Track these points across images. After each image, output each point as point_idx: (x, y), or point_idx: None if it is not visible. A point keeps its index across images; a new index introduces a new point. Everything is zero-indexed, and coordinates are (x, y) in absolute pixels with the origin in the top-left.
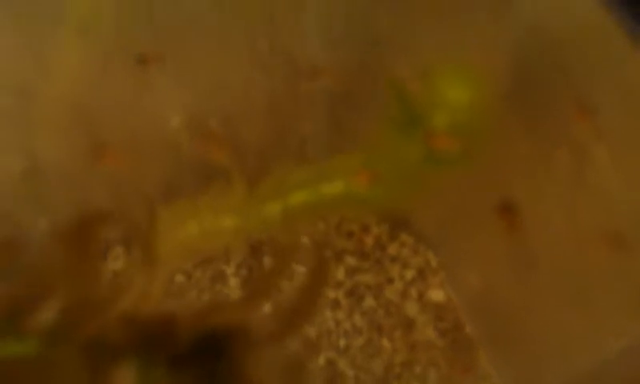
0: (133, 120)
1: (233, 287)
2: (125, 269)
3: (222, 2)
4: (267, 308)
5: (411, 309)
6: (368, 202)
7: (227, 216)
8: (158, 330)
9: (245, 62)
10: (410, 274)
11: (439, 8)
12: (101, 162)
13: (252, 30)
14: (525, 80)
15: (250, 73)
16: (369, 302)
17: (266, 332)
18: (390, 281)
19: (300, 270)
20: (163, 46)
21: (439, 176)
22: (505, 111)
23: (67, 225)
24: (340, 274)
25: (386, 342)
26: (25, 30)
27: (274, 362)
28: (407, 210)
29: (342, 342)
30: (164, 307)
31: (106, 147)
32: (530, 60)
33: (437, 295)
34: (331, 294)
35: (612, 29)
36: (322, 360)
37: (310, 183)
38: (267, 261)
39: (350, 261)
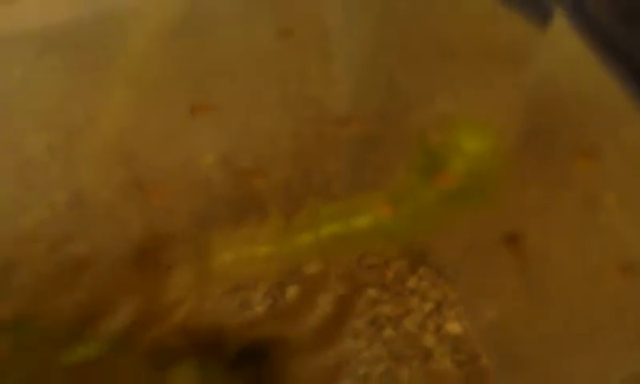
0: (169, 159)
1: (259, 314)
2: (182, 286)
3: (258, 55)
4: (297, 328)
5: (429, 340)
6: (392, 235)
7: (263, 245)
8: (209, 339)
9: (276, 108)
10: (428, 306)
11: (457, 64)
12: (139, 196)
13: (284, 80)
14: (535, 128)
15: (280, 117)
16: (388, 332)
17: (300, 346)
18: (409, 312)
19: (327, 298)
20: (201, 94)
21: (458, 215)
22: (517, 156)
23: (135, 248)
24: (361, 304)
25: (404, 371)
26: (74, 76)
27: (308, 373)
28: (426, 245)
29: (362, 370)
30: (213, 320)
31: (144, 183)
32: (541, 111)
33: (454, 327)
34: (352, 323)
35: (617, 92)
36: None
37: (341, 217)
38: (291, 291)
39: (372, 292)
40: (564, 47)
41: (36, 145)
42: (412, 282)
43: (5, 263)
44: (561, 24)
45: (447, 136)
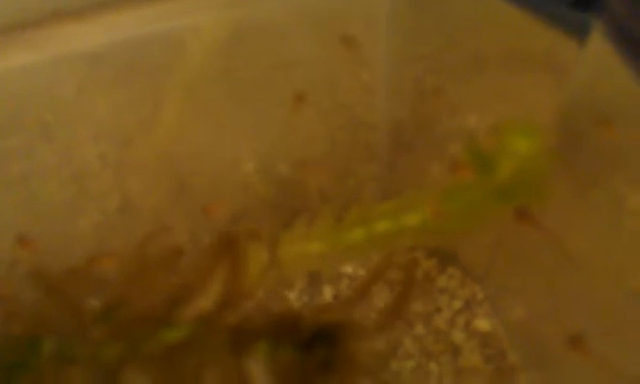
0: (211, 165)
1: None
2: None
3: (296, 66)
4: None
5: (458, 336)
6: (441, 232)
7: (315, 242)
8: (285, 321)
9: (310, 115)
10: (457, 304)
11: (488, 73)
12: (184, 200)
13: (316, 89)
14: (568, 132)
15: (314, 124)
16: (419, 328)
17: (367, 328)
18: (439, 310)
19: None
20: (243, 103)
21: (503, 213)
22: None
23: (221, 238)
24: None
25: (434, 367)
26: (125, 88)
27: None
28: (455, 245)
29: (394, 365)
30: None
31: (186, 187)
32: (577, 116)
33: (482, 324)
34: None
35: None
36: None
37: (392, 214)
38: (326, 289)
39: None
40: (601, 60)
41: (90, 154)
42: (441, 281)
43: (89, 256)
44: (598, 37)
45: (496, 136)
